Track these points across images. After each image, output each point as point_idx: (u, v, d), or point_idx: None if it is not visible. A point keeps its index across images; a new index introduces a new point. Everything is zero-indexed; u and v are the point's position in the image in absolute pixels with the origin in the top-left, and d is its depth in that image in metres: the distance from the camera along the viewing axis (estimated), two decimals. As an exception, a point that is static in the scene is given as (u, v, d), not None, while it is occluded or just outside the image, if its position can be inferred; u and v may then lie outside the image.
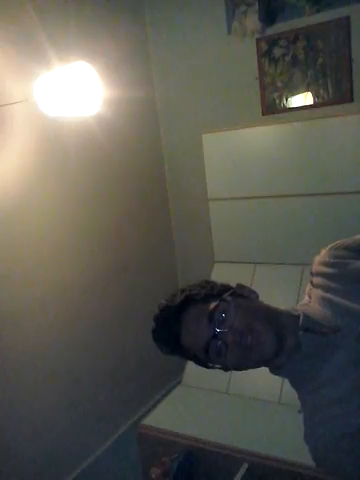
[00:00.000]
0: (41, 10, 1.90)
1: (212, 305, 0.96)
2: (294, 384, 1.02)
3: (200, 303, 0.98)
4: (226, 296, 0.98)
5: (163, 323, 1.00)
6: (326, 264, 1.08)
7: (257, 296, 1.04)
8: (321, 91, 2.25)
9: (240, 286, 1.04)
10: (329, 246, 1.12)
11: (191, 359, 1.04)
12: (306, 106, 2.31)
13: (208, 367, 1.01)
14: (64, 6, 2.04)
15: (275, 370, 1.02)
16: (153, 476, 1.87)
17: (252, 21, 2.30)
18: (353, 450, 0.86)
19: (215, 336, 0.93)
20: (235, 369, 1.01)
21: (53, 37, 1.92)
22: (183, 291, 1.02)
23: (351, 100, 2.19)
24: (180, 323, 0.97)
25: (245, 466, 1.78)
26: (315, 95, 2.27)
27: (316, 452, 0.91)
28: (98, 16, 2.23)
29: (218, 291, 1.01)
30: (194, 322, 0.96)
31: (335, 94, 2.22)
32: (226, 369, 0.99)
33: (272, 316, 0.98)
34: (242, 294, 1.02)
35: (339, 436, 0.88)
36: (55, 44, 1.89)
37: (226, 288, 1.02)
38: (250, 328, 0.93)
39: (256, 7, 2.27)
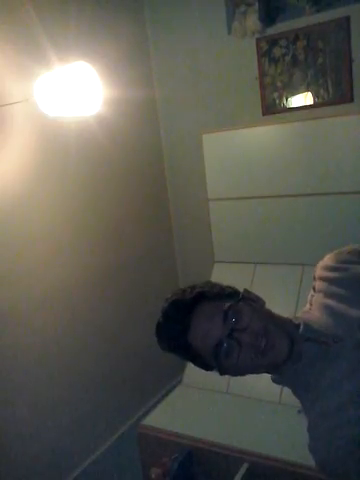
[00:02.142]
0: (41, 10, 1.90)
1: (227, 304, 0.94)
2: (296, 393, 1.02)
3: (213, 301, 0.96)
4: (240, 297, 0.97)
5: (172, 317, 0.97)
6: (329, 268, 1.08)
7: (264, 303, 1.03)
8: (321, 91, 2.25)
9: (247, 291, 1.03)
10: (334, 252, 1.12)
11: (191, 359, 1.01)
12: (306, 106, 2.31)
13: (208, 369, 0.99)
14: (64, 6, 2.04)
15: (277, 379, 1.03)
16: (153, 476, 1.87)
17: (252, 21, 2.30)
18: (357, 457, 0.86)
19: (229, 335, 0.91)
20: (237, 373, 0.98)
21: (53, 37, 1.92)
22: (193, 287, 0.99)
23: (351, 100, 2.19)
24: (190, 319, 0.94)
25: (245, 466, 1.78)
26: (315, 95, 2.27)
27: (322, 462, 0.91)
28: (98, 16, 2.23)
29: (228, 292, 0.99)
30: (207, 319, 0.94)
31: (335, 94, 2.22)
32: (224, 372, 0.96)
33: (282, 321, 0.98)
34: (251, 298, 1.01)
35: (343, 444, 0.88)
36: (55, 44, 1.89)
37: (235, 290, 1.01)
38: (266, 330, 0.92)
39: (256, 7, 2.26)
